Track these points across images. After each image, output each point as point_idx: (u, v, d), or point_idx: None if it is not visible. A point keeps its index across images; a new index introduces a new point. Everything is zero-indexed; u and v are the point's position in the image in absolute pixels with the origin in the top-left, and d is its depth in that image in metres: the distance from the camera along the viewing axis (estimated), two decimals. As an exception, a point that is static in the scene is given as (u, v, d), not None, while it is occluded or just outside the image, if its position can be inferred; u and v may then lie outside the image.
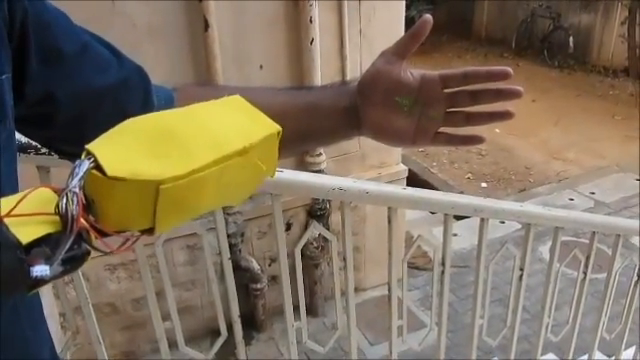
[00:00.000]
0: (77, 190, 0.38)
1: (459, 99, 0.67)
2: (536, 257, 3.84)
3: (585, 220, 1.75)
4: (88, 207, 0.39)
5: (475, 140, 0.69)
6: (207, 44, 2.44)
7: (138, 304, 2.86)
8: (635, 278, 2.08)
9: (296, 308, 1.45)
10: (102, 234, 0.40)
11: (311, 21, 2.57)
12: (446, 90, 0.67)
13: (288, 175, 1.23)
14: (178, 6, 2.39)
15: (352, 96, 0.68)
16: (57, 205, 0.38)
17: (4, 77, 0.47)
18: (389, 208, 1.36)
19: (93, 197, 0.39)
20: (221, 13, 2.43)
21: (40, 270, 0.36)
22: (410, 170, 3.33)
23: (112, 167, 0.38)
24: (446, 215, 1.44)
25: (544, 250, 3.98)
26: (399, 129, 0.67)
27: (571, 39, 8.75)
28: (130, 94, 0.59)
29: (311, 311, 3.27)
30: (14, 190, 0.42)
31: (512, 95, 0.64)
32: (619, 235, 1.84)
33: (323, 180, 1.28)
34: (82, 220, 0.38)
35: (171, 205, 0.40)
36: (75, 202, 0.37)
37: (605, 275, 1.97)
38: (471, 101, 0.67)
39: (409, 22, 2.95)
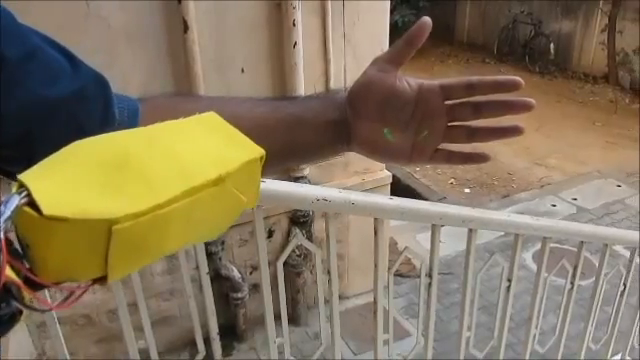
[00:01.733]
0: (0, 235, 0.30)
1: (461, 112, 0.59)
2: (520, 264, 3.82)
3: (573, 230, 1.72)
4: (21, 253, 0.32)
5: (479, 158, 0.62)
6: (186, 47, 2.37)
7: (114, 315, 2.77)
8: (622, 287, 2.06)
9: (278, 317, 1.39)
10: (37, 287, 0.32)
11: (294, 24, 2.52)
12: (447, 102, 0.59)
13: (269, 185, 1.17)
14: (156, 7, 2.32)
15: (341, 108, 0.61)
16: None
17: None
18: (375, 219, 1.31)
19: (27, 241, 0.31)
20: (201, 15, 2.37)
21: None
22: (393, 176, 3.29)
23: (49, 204, 0.30)
24: (434, 226, 1.39)
25: (527, 257, 3.97)
26: (394, 146, 0.60)
27: (552, 45, 8.83)
28: (87, 106, 0.51)
29: (294, 320, 3.21)
30: None
31: (522, 108, 0.57)
32: (606, 245, 1.82)
33: (306, 190, 1.22)
34: (7, 274, 0.30)
35: (128, 248, 0.33)
36: None
37: (589, 282, 1.95)
38: (475, 114, 0.59)
39: (392, 27, 2.93)
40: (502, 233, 3.82)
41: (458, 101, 0.60)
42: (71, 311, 2.71)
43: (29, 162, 0.42)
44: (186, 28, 2.33)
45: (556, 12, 9.18)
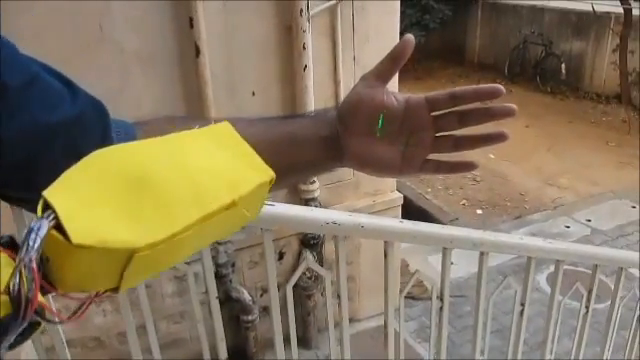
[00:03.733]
0: (34, 265, 0.31)
1: (447, 122, 0.62)
2: (534, 286, 3.76)
3: (587, 253, 1.70)
4: (41, 264, 0.33)
5: (467, 166, 0.64)
6: (198, 71, 2.40)
7: (124, 338, 2.75)
8: (638, 312, 2.02)
9: (288, 340, 1.38)
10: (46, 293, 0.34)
11: (304, 47, 2.55)
12: (433, 113, 0.61)
13: (279, 209, 1.17)
14: (168, 32, 2.36)
15: (332, 125, 0.62)
16: (8, 283, 0.31)
17: None
18: (386, 242, 1.30)
19: (49, 255, 0.33)
20: (212, 39, 2.40)
21: None
22: (405, 197, 3.27)
23: (78, 232, 0.31)
24: (445, 249, 1.38)
25: (541, 279, 3.92)
26: (384, 159, 0.62)
27: (563, 66, 8.81)
28: (85, 132, 0.52)
29: (304, 343, 3.18)
30: None
31: (504, 114, 0.60)
32: (622, 268, 1.79)
33: (316, 214, 1.22)
34: (40, 300, 0.31)
35: (144, 268, 0.35)
36: (31, 282, 0.31)
37: (605, 305, 1.92)
38: (460, 123, 0.62)
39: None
40: (515, 255, 3.78)
41: (444, 112, 0.62)
42: (81, 333, 2.71)
43: (28, 187, 0.44)
44: (198, 52, 2.36)
45: (567, 32, 9.18)
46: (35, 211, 0.43)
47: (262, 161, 0.42)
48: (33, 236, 0.31)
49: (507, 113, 0.59)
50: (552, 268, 1.64)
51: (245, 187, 0.39)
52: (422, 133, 0.61)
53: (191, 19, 2.32)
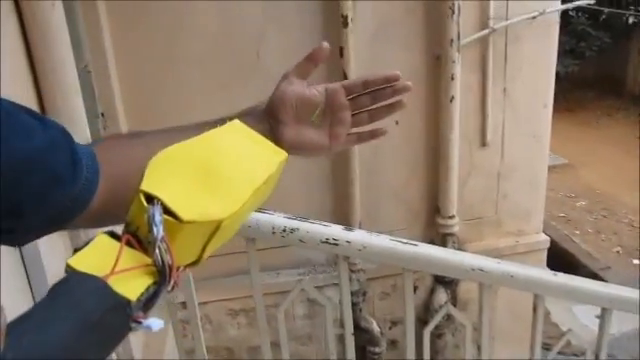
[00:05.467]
0: (166, 240, 0.39)
1: (362, 102, 0.76)
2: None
3: None
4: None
5: (380, 132, 0.79)
6: (344, 99, 2.43)
7: (254, 352, 2.85)
8: None
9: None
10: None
11: (452, 78, 2.48)
12: (349, 97, 0.75)
13: (422, 249, 1.13)
14: (319, 61, 2.42)
15: (262, 120, 0.72)
16: (153, 259, 0.39)
17: None
18: (535, 295, 1.20)
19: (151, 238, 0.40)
20: (360, 68, 2.42)
21: (150, 323, 0.38)
22: (548, 237, 3.02)
23: (184, 211, 0.40)
24: (604, 309, 1.24)
25: None
26: (315, 140, 0.75)
27: None
28: (59, 154, 0.57)
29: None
30: None
31: (403, 89, 0.76)
32: None
33: (461, 258, 1.15)
34: (179, 275, 0.40)
35: (220, 238, 0.44)
36: (167, 252, 0.39)
37: None
38: (372, 101, 0.76)
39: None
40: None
41: (358, 94, 0.76)
42: (216, 342, 2.84)
43: (15, 215, 0.52)
44: (345, 79, 2.40)
45: None
46: (9, 243, 0.57)
47: (275, 145, 0.52)
48: (155, 219, 0.39)
49: (404, 88, 0.76)
50: None
51: (271, 166, 0.49)
52: (342, 113, 0.75)
53: (341, 48, 2.37)
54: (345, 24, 2.34)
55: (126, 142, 0.72)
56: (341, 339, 1.39)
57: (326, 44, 0.75)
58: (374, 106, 0.77)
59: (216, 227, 0.42)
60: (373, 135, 0.79)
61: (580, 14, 8.93)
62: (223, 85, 2.34)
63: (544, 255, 2.92)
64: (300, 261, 2.70)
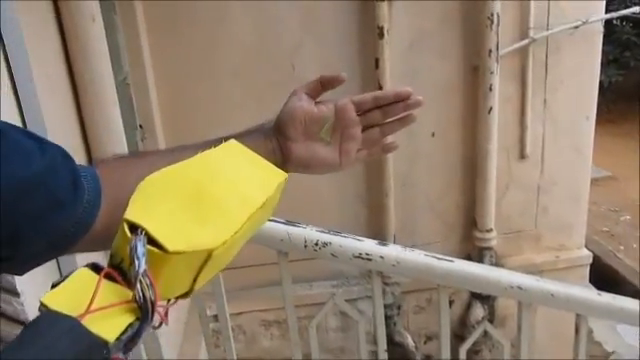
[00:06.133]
0: (149, 274, 0.36)
1: (373, 118, 0.75)
2: None
3: None
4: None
5: (391, 147, 0.78)
6: (379, 110, 2.41)
7: (286, 364, 2.83)
8: None
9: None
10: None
11: (491, 89, 2.43)
12: (359, 113, 0.74)
13: (458, 266, 1.10)
14: (354, 72, 2.41)
15: (271, 138, 0.72)
16: (133, 295, 0.37)
17: None
18: (578, 315, 1.15)
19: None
20: (395, 79, 2.40)
21: None
22: (591, 252, 2.91)
23: (170, 242, 0.37)
24: (652, 332, 1.17)
25: None
26: (324, 156, 0.74)
27: None
28: (59, 177, 0.55)
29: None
30: None
31: (415, 105, 0.74)
32: None
33: (499, 275, 1.11)
34: (162, 315, 0.38)
35: (214, 266, 0.41)
36: (150, 288, 0.36)
37: None
38: (383, 117, 0.75)
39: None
40: None
41: (368, 110, 0.74)
42: (248, 354, 2.83)
43: (14, 242, 0.50)
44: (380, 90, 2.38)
45: None
46: (9, 271, 0.55)
47: (274, 166, 0.50)
48: (137, 251, 0.36)
49: (416, 103, 0.73)
50: None
51: (269, 188, 0.46)
52: (352, 129, 0.74)
53: (377, 60, 2.35)
54: (381, 35, 2.33)
55: (130, 162, 0.70)
56: (374, 354, 1.37)
57: (344, 75, 0.74)
58: (385, 121, 0.76)
59: (207, 257, 0.39)
60: (384, 150, 0.79)
61: (625, 23, 8.67)
62: (259, 97, 2.35)
63: (586, 271, 2.82)
64: (333, 273, 2.68)
